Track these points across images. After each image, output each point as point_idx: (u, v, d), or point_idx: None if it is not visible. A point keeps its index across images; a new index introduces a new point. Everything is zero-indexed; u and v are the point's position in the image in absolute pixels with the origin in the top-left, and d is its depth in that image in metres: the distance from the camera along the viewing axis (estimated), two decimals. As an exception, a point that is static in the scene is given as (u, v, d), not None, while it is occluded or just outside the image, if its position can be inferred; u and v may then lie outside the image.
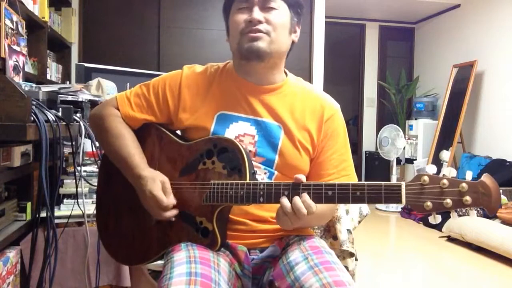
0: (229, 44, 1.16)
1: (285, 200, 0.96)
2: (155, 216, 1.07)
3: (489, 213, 0.89)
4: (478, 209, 3.68)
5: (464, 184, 0.86)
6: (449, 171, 0.89)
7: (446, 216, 0.92)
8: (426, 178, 0.89)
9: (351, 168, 1.18)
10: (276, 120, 1.13)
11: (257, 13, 1.07)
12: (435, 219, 0.91)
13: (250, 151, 1.10)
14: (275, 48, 1.09)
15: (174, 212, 1.06)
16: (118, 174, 1.16)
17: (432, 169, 0.91)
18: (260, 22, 1.07)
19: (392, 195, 0.91)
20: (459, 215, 0.91)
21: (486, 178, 0.86)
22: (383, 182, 0.92)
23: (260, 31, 1.07)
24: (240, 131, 1.12)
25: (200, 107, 1.14)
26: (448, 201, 0.87)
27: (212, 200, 1.03)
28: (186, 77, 1.16)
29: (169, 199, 1.05)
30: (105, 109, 1.18)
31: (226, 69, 1.19)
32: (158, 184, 1.06)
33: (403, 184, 0.90)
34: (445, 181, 0.88)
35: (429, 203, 0.88)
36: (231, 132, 1.11)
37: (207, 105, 1.14)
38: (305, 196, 0.95)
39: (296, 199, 0.95)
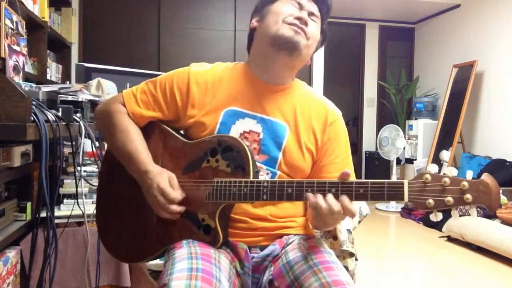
0: (256, 30, 1.17)
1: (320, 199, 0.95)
2: (159, 213, 1.07)
3: (489, 211, 0.90)
4: (478, 209, 3.71)
5: (465, 183, 0.88)
6: (450, 171, 0.91)
7: (446, 216, 0.93)
8: (428, 176, 0.90)
9: (352, 172, 1.18)
10: (283, 120, 1.14)
11: (307, 17, 1.12)
12: (436, 216, 0.92)
13: (254, 148, 1.11)
14: (305, 52, 1.12)
15: (180, 208, 1.05)
16: (120, 171, 1.16)
17: (434, 168, 0.92)
18: (307, 24, 1.11)
19: (395, 193, 0.92)
20: (460, 215, 0.92)
21: (486, 177, 0.88)
22: (386, 180, 0.93)
23: (303, 30, 1.10)
24: (245, 128, 1.12)
25: (209, 103, 1.14)
26: (450, 198, 0.88)
27: (216, 197, 1.03)
28: (194, 73, 1.16)
29: (177, 192, 1.05)
30: (111, 105, 1.18)
31: (237, 67, 1.21)
32: (165, 177, 1.06)
33: (405, 181, 0.92)
34: (446, 179, 0.89)
35: (431, 201, 0.90)
36: (237, 128, 1.12)
37: (216, 100, 1.14)
38: (345, 198, 0.94)
39: (344, 198, 0.94)
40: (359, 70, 6.00)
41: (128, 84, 2.09)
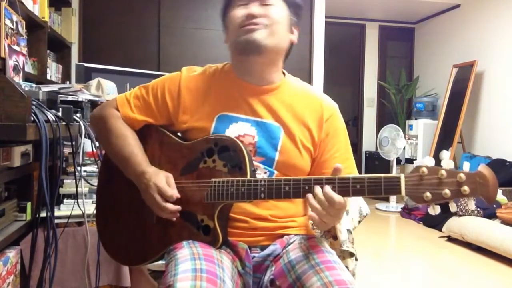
0: (227, 44, 1.16)
1: (310, 196, 0.95)
2: (158, 212, 1.07)
3: (487, 203, 0.88)
4: (478, 209, 3.67)
5: (461, 175, 0.87)
6: (447, 163, 0.89)
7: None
8: (424, 169, 0.89)
9: (354, 166, 1.19)
10: (276, 121, 1.13)
11: (255, 8, 1.09)
12: (435, 209, 0.91)
13: (250, 151, 1.10)
14: (272, 42, 1.09)
15: (177, 207, 1.06)
16: (118, 175, 1.16)
17: (430, 161, 0.91)
18: (258, 16, 1.08)
19: (391, 187, 0.91)
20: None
21: (483, 168, 0.87)
22: (382, 175, 0.92)
23: (257, 24, 1.08)
24: (240, 132, 1.12)
25: (200, 109, 1.14)
26: (447, 191, 0.87)
27: (214, 197, 1.03)
28: (185, 79, 1.16)
29: (173, 191, 1.06)
30: (106, 110, 1.19)
31: (225, 70, 1.20)
32: (162, 177, 1.07)
33: (402, 175, 0.90)
34: (443, 172, 0.88)
35: (428, 194, 0.88)
36: (231, 132, 1.12)
37: (207, 106, 1.14)
38: (327, 188, 0.93)
39: (318, 190, 0.94)
40: (359, 70, 6.00)
41: (128, 84, 2.09)
